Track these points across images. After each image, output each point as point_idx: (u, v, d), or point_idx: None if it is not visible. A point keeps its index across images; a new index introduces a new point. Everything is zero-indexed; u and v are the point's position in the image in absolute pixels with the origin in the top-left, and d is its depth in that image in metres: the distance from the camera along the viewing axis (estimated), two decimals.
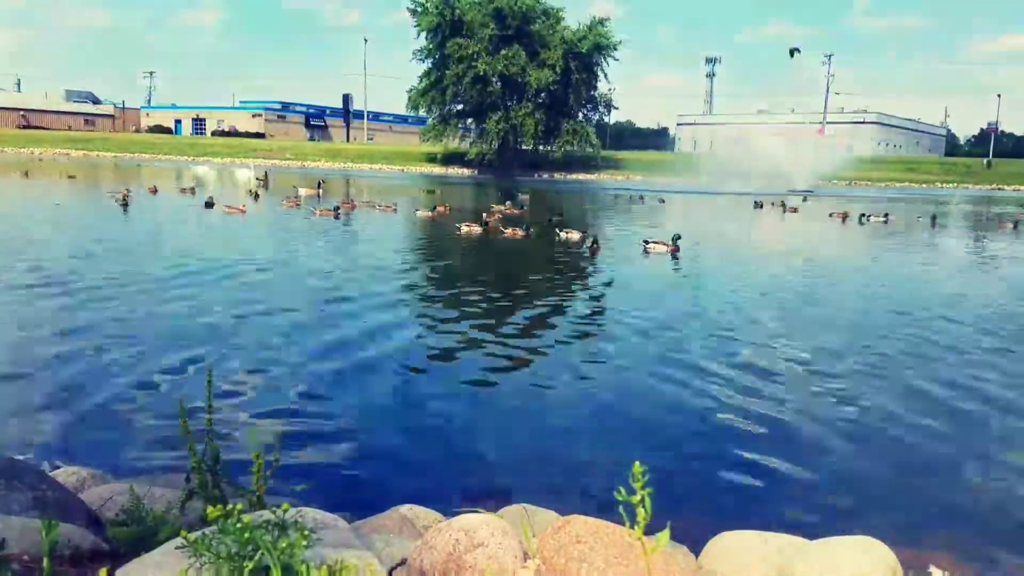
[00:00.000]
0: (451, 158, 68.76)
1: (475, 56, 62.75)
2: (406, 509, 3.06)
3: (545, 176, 62.48)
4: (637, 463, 1.68)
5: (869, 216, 22.93)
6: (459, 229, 16.36)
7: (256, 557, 1.80)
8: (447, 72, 65.05)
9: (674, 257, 12.97)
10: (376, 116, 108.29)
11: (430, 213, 20.95)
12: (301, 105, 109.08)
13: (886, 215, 23.05)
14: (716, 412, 5.05)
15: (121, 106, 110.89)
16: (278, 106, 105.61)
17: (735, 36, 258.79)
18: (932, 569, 2.97)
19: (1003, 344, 7.16)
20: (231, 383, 5.25)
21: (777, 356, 6.53)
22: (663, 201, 31.27)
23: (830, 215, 24.61)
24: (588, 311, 8.50)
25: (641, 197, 32.62)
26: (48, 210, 18.94)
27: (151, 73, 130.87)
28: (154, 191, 24.71)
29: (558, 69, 62.66)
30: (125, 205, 18.96)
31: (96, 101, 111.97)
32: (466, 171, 64.33)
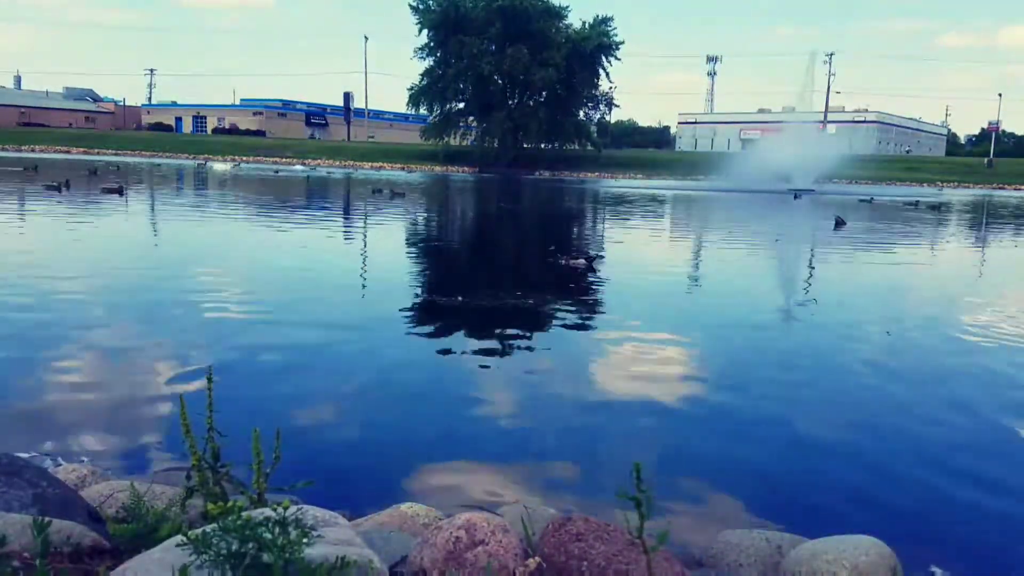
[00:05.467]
0: (453, 156, 68.44)
1: (478, 55, 62.64)
2: (407, 507, 3.06)
3: (547, 174, 62.28)
4: (637, 462, 1.68)
5: None
6: None
7: (257, 554, 1.80)
8: (449, 70, 64.92)
9: None
10: (377, 114, 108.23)
11: None
12: (302, 103, 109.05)
13: None
14: (717, 411, 5.05)
15: (122, 103, 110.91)
16: (279, 104, 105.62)
17: (736, 36, 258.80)
18: (933, 569, 2.97)
19: None
20: (232, 380, 5.25)
21: (781, 350, 6.52)
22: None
23: None
24: (600, 309, 8.50)
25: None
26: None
27: (151, 71, 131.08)
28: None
29: (562, 68, 62.54)
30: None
31: (96, 99, 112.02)
32: (467, 169, 64.08)
